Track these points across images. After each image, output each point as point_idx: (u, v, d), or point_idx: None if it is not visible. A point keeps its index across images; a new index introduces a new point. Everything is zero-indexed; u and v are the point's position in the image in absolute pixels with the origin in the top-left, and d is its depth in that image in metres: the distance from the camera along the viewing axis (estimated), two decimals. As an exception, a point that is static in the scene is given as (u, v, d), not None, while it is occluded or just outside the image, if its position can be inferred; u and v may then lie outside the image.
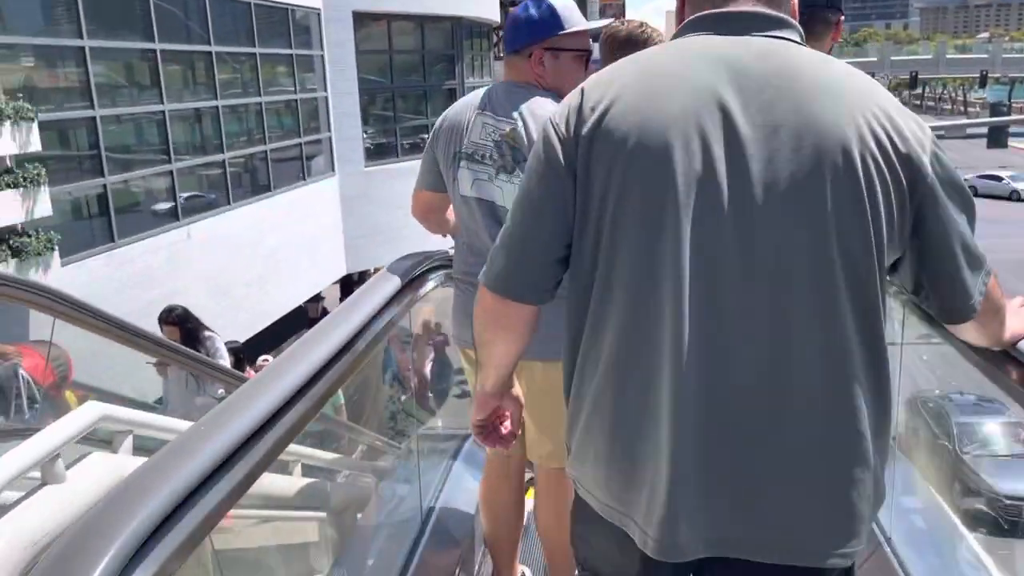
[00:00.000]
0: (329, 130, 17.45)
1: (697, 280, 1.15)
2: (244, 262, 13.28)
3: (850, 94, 1.16)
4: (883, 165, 1.14)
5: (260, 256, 13.88)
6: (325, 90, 17.19)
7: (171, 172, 11.81)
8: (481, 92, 2.20)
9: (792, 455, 1.19)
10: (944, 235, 1.20)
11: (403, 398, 6.21)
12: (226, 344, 6.11)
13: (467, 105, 2.20)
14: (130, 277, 10.47)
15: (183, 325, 5.57)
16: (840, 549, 1.22)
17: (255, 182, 14.87)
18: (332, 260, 17.11)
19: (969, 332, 1.36)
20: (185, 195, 12.26)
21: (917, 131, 1.18)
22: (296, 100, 16.19)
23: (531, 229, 1.30)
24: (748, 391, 1.17)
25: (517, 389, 1.65)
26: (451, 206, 2.29)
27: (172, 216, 11.83)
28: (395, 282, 2.22)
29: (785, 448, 1.19)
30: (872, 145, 1.14)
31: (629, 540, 1.28)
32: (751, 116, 1.14)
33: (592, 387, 1.29)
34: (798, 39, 1.23)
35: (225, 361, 5.61)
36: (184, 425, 2.33)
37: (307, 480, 2.84)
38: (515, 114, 2.10)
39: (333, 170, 17.58)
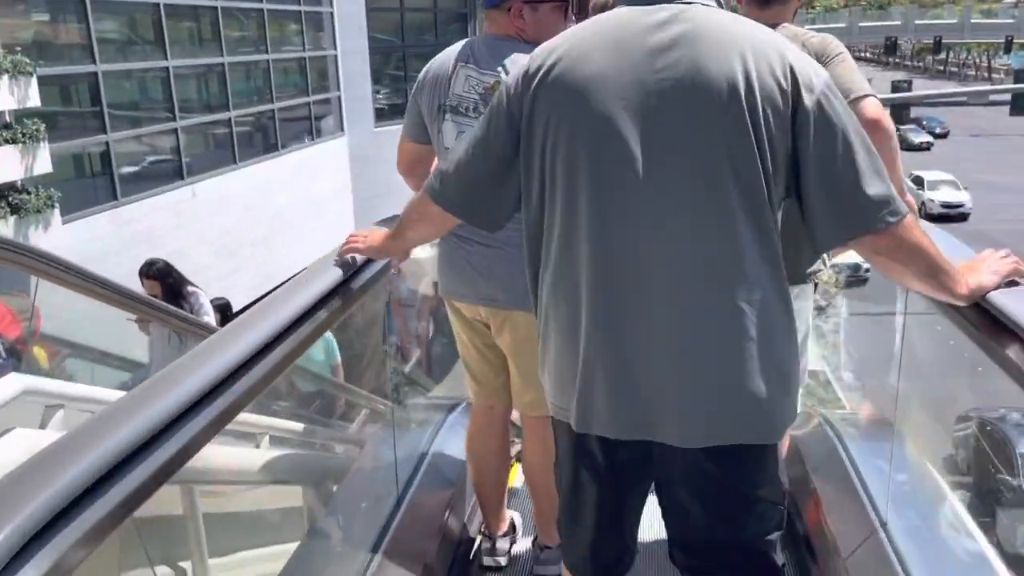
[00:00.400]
0: (338, 89, 17.22)
1: (609, 200, 1.40)
2: (250, 222, 13.20)
3: (746, 46, 1.36)
4: (767, 102, 1.34)
5: (267, 216, 13.79)
6: (335, 48, 16.92)
7: (176, 130, 11.68)
8: (460, 45, 2.20)
9: (693, 351, 1.40)
10: (816, 168, 1.36)
11: (407, 368, 6.11)
12: (213, 300, 5.91)
13: (449, 57, 2.18)
14: (133, 236, 10.41)
15: (164, 279, 5.23)
16: (749, 430, 1.43)
17: (262, 141, 14.72)
18: (341, 221, 17.00)
19: (893, 270, 1.49)
20: (190, 153, 12.14)
21: (810, 76, 1.36)
22: (305, 58, 15.96)
23: (480, 165, 1.53)
24: (652, 297, 1.39)
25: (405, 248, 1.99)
26: (435, 160, 2.27)
27: (177, 175, 11.73)
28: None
29: (688, 345, 1.40)
30: (757, 86, 1.33)
31: (572, 432, 1.53)
32: (659, 72, 1.37)
33: (543, 305, 1.53)
34: (714, 3, 1.44)
35: (210, 318, 5.33)
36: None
37: (277, 452, 2.72)
38: (498, 67, 2.08)
39: (342, 130, 17.39)
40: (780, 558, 1.54)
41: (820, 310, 4.54)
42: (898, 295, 2.44)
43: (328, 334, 7.07)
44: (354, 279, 2.04)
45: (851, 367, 4.11)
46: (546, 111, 1.43)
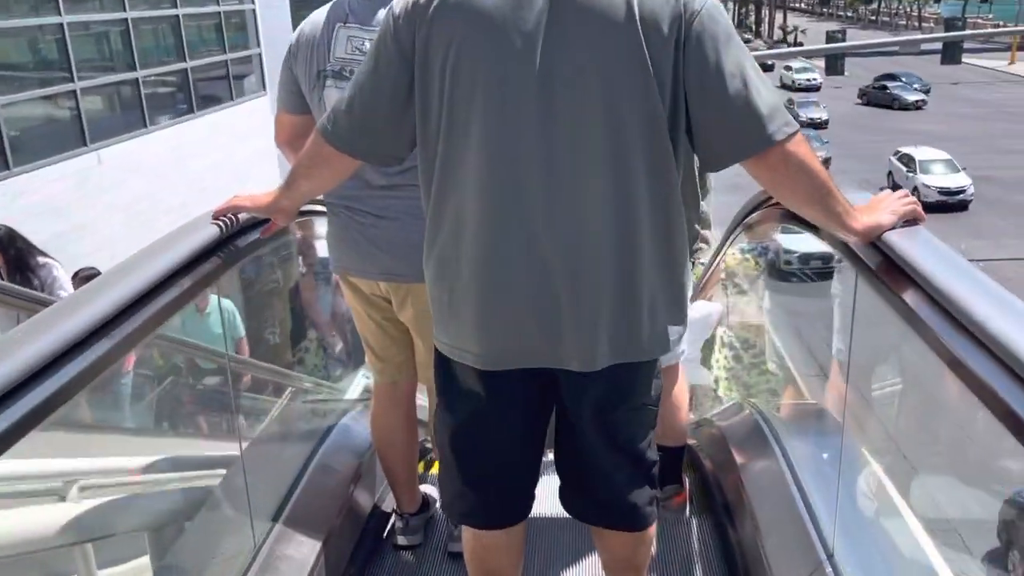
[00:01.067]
0: (259, 46, 16.36)
1: (503, 127, 1.40)
2: (165, 190, 12.42)
3: None
4: (657, 28, 1.36)
5: (184, 183, 13.01)
6: (252, 2, 16.02)
7: (74, 92, 10.84)
8: (329, 6, 2.12)
9: (586, 282, 1.45)
10: (707, 86, 1.37)
11: (329, 364, 5.74)
12: (82, 271, 5.15)
13: (320, 19, 2.11)
14: (32, 207, 9.63)
15: (6, 251, 4.36)
16: (638, 351, 1.52)
17: (175, 103, 13.88)
18: (266, 187, 16.19)
19: (783, 188, 1.50)
20: (93, 117, 11.31)
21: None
22: (220, 12, 15.05)
23: (372, 100, 1.51)
24: (548, 228, 1.42)
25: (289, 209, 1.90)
26: None
27: (79, 140, 10.91)
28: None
29: (581, 277, 1.44)
30: (648, 13, 1.35)
31: (469, 369, 1.56)
32: (556, 1, 1.38)
33: (436, 247, 1.52)
34: None
35: (66, 292, 4.44)
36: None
37: (94, 501, 2.26)
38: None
39: (265, 89, 16.55)
40: (654, 455, 1.68)
41: (742, 294, 4.37)
42: (836, 275, 2.29)
43: (230, 304, 6.65)
44: (237, 238, 1.90)
45: (775, 357, 3.83)
46: (444, 40, 1.41)
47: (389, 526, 2.57)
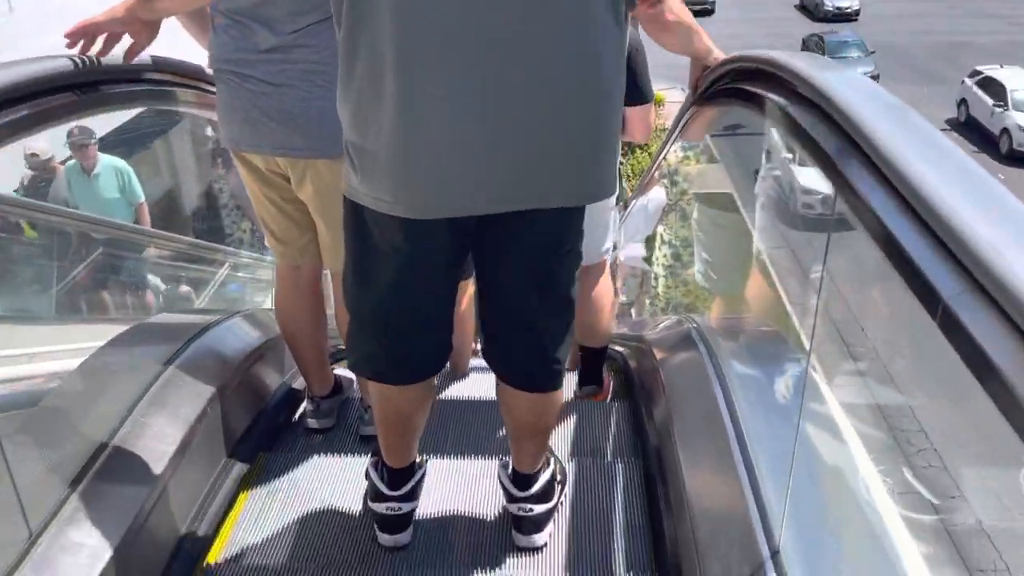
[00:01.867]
0: None
1: None
2: (91, 42, 11.44)
3: None
4: None
5: (112, 35, 12.01)
6: None
7: (-25, -76, 9.65)
8: None
9: (528, 118, 1.33)
10: None
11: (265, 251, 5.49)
12: None
13: None
14: (-71, 60, 8.72)
15: None
16: (576, 193, 1.46)
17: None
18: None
19: (674, 30, 1.64)
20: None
21: None
22: None
23: None
24: (479, 54, 1.28)
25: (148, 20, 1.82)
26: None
27: (-17, -18, 9.82)
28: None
29: (522, 112, 1.32)
30: None
31: (389, 220, 1.45)
32: None
33: (353, 84, 1.39)
34: None
35: None
36: None
37: None
38: None
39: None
40: (574, 307, 1.66)
41: (683, 193, 4.23)
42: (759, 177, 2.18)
43: (125, 166, 6.15)
44: (104, 84, 1.80)
45: (701, 267, 3.61)
46: None
47: (300, 409, 2.54)
